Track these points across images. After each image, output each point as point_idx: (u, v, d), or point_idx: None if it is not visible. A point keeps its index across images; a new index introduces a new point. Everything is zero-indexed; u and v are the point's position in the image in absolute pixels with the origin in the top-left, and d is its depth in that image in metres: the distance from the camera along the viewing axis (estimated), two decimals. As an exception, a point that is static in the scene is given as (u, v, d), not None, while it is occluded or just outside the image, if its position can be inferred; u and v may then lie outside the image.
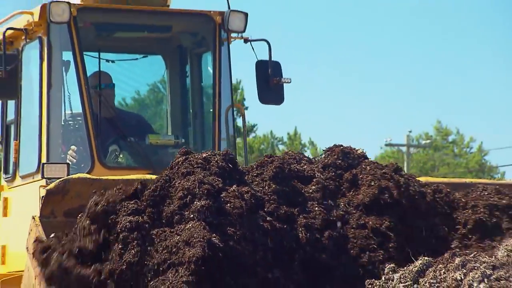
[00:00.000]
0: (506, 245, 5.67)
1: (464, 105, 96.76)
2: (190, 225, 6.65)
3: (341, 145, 7.93)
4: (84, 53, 10.79)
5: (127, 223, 6.66)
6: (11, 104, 11.18)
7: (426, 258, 5.86)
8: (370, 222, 7.27)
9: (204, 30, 11.27)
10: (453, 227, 7.52)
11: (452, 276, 5.36)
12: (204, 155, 7.33)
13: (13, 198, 10.70)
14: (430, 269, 5.60)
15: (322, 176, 7.54)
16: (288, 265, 6.98)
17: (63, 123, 10.70)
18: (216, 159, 7.27)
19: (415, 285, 5.49)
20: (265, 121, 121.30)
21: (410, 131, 56.89)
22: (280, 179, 7.38)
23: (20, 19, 10.16)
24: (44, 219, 7.36)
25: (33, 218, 7.18)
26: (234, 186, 7.09)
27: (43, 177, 9.99)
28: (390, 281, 5.70)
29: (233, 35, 11.20)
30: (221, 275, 6.64)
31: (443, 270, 5.51)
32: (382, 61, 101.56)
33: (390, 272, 5.94)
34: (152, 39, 11.97)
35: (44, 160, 9.80)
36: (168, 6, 11.26)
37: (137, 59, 12.03)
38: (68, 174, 9.40)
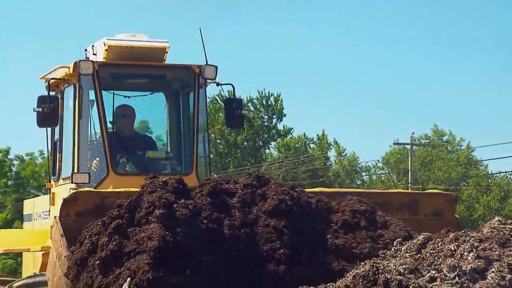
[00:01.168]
0: (490, 223, 5.76)
1: (455, 112, 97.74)
2: (152, 226, 7.95)
3: (258, 172, 9.31)
4: (108, 91, 12.79)
5: (112, 224, 8.02)
6: (57, 127, 12.99)
7: (426, 233, 5.92)
8: (272, 223, 8.45)
9: (188, 78, 12.96)
10: (329, 225, 8.73)
11: (448, 247, 5.45)
12: (164, 179, 8.59)
13: (57, 193, 12.32)
14: (430, 242, 5.70)
15: (242, 192, 8.77)
16: (217, 252, 8.22)
17: (88, 143, 12.65)
18: (172, 182, 8.52)
19: (418, 254, 5.55)
20: (299, 125, 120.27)
21: (413, 133, 57.94)
22: (213, 194, 8.63)
23: (61, 71, 12.27)
24: (62, 218, 8.74)
25: (55, 217, 8.68)
26: (182, 200, 8.34)
27: (72, 182, 11.97)
28: (399, 251, 5.75)
29: (209, 80, 12.91)
30: (171, 259, 7.80)
31: (440, 243, 5.60)
32: (390, 74, 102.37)
33: (398, 245, 6.00)
34: (154, 82, 13.71)
35: (75, 170, 11.78)
36: (164, 60, 12.92)
37: (146, 95, 13.75)
38: (89, 181, 11.68)
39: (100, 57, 12.30)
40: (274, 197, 8.65)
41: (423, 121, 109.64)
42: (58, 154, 12.67)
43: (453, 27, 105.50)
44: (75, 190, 9.83)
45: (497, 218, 5.85)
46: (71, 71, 12.19)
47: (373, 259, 5.86)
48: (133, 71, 13.09)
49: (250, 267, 8.17)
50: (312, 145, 69.03)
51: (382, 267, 5.47)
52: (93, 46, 12.70)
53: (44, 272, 10.06)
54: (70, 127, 12.44)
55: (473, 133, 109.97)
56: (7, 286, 11.25)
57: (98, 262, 7.66)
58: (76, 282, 7.85)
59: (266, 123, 71.04)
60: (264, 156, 69.37)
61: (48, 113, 12.14)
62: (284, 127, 71.53)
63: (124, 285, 7.44)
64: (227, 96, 13.35)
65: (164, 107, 13.68)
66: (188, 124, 13.04)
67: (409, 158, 57.44)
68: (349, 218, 8.70)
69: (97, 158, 12.43)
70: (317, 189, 10.00)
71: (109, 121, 12.43)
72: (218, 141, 69.32)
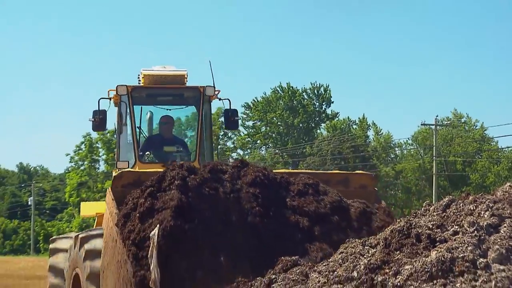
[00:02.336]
0: (502, 188, 5.70)
1: (471, 98, 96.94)
2: (172, 192, 9.51)
3: (241, 158, 11.25)
4: (146, 106, 14.40)
5: (147, 190, 9.57)
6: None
7: (450, 196, 5.85)
8: (251, 190, 9.90)
9: (196, 95, 14.03)
10: (288, 192, 10.16)
11: (468, 207, 5.40)
12: (181, 162, 10.25)
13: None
14: (453, 204, 5.62)
15: (231, 171, 10.26)
16: (215, 209, 9.71)
17: (127, 142, 14.12)
18: (186, 164, 10.12)
19: (443, 213, 5.51)
20: (344, 110, 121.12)
21: (437, 116, 57.87)
22: (212, 172, 10.08)
23: (112, 92, 13.59)
24: (113, 189, 10.15)
25: (108, 188, 10.08)
26: (192, 175, 9.83)
27: (116, 168, 13.90)
28: (428, 211, 5.71)
29: (210, 96, 14.07)
30: (185, 213, 9.40)
31: (461, 204, 5.55)
32: (420, 67, 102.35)
33: (427, 205, 5.95)
34: (174, 99, 14.71)
35: (119, 159, 13.79)
36: (185, 83, 14.02)
37: (170, 109, 14.61)
38: (128, 167, 13.14)
39: (141, 82, 13.95)
40: (252, 174, 10.31)
41: (445, 106, 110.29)
42: (115, 149, 14.73)
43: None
44: (121, 170, 11.48)
45: (508, 184, 5.80)
46: (115, 93, 13.80)
47: (406, 217, 5.86)
48: (158, 92, 14.37)
49: (237, 219, 9.72)
50: (354, 126, 68.54)
51: (414, 223, 5.45)
52: (139, 74, 14.23)
53: (99, 227, 11.82)
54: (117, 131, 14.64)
55: (486, 114, 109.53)
56: (74, 236, 11.98)
57: (138, 215, 9.24)
58: (123, 229, 9.36)
59: (317, 109, 70.89)
60: (316, 135, 69.18)
61: (98, 122, 13.95)
62: (331, 112, 71.41)
63: (155, 230, 9.01)
64: (226, 108, 14.67)
65: (184, 116, 15.52)
66: (195, 127, 14.40)
67: (434, 136, 56.97)
68: (301, 188, 10.34)
69: (130, 152, 14.13)
70: (281, 170, 11.99)
71: (137, 127, 13.85)
72: (279, 123, 69.65)
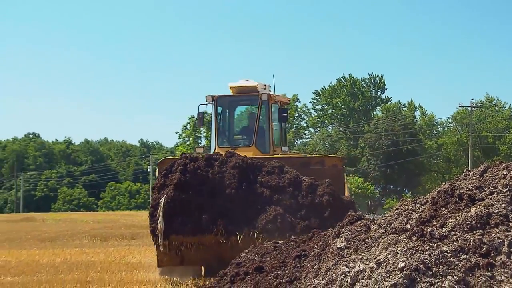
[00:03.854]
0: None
1: (501, 83, 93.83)
2: (175, 174, 11.76)
3: (231, 151, 12.55)
4: (227, 109, 15.47)
5: (161, 173, 12.03)
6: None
7: (486, 163, 5.69)
8: (232, 171, 11.69)
9: (257, 98, 14.77)
10: (260, 172, 11.81)
11: (501, 172, 5.26)
12: (186, 154, 12.42)
13: None
14: (489, 170, 5.47)
15: (220, 158, 12.03)
16: (206, 185, 11.64)
17: (215, 133, 15.19)
18: (190, 155, 12.16)
19: (481, 177, 5.37)
20: (396, 94, 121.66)
21: (472, 99, 55.67)
22: (208, 160, 11.99)
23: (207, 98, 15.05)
24: (159, 168, 12.29)
25: (156, 164, 12.34)
26: (192, 163, 11.86)
27: (194, 151, 16.20)
28: (468, 176, 5.57)
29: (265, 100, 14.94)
30: (184, 188, 11.54)
31: (496, 170, 5.39)
32: (457, 57, 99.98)
33: (467, 171, 5.80)
34: (247, 102, 15.74)
35: (195, 145, 16.01)
36: (258, 91, 14.86)
37: (250, 110, 15.87)
38: (204, 151, 14.83)
39: (229, 91, 15.25)
40: (234, 161, 11.94)
41: (479, 90, 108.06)
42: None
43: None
44: (164, 158, 13.96)
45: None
46: (208, 100, 15.02)
47: (450, 180, 5.74)
48: (232, 98, 15.31)
49: (219, 191, 11.58)
50: (404, 108, 67.49)
51: (457, 185, 5.34)
52: (231, 85, 15.49)
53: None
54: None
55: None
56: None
57: (155, 188, 11.76)
58: (158, 195, 11.68)
59: (373, 95, 69.89)
60: (372, 116, 68.35)
61: (199, 120, 16.12)
62: (385, 97, 70.30)
63: (162, 198, 11.40)
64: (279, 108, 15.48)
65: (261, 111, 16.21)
66: (256, 120, 14.99)
67: (470, 115, 55.57)
68: (270, 169, 11.90)
69: (214, 139, 15.54)
70: (276, 156, 13.32)
71: (218, 123, 15.13)
72: (342, 106, 69.12)
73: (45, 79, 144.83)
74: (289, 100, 18.29)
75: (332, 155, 13.92)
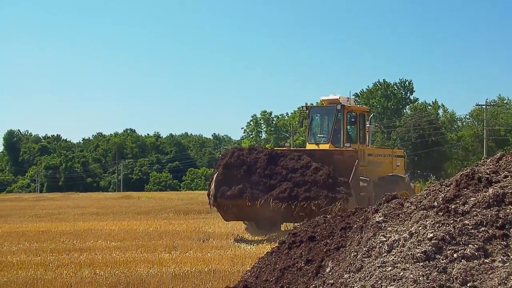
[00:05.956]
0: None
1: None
2: (226, 158, 13.69)
3: (264, 147, 14.82)
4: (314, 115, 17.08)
5: (222, 161, 13.81)
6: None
7: (501, 152, 5.50)
8: (262, 157, 13.49)
9: (334, 108, 15.97)
10: (284, 159, 13.25)
11: (515, 159, 5.07)
12: (233, 149, 14.04)
13: None
14: (504, 157, 5.29)
15: (257, 149, 13.94)
16: (242, 167, 13.43)
17: (307, 133, 17.09)
18: (237, 148, 14.05)
19: (497, 163, 5.21)
20: (422, 95, 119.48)
21: (487, 98, 53.92)
22: (249, 150, 13.81)
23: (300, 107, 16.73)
24: (221, 157, 14.01)
25: (220, 154, 13.17)
26: (237, 152, 13.75)
27: (285, 145, 17.28)
28: (485, 162, 5.40)
29: (339, 108, 16.20)
30: (230, 168, 13.32)
31: (509, 157, 5.22)
32: (477, 59, 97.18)
33: (485, 158, 5.62)
34: (328, 111, 16.59)
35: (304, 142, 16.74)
36: (340, 102, 15.93)
37: (338, 118, 16.45)
38: (290, 146, 17.06)
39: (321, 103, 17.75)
40: (264, 151, 13.66)
41: (492, 91, 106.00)
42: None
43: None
44: (227, 149, 15.22)
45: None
46: (304, 109, 17.11)
47: (471, 166, 5.59)
48: (323, 108, 16.96)
49: (254, 171, 13.32)
50: (429, 107, 66.12)
51: (476, 170, 5.19)
52: (322, 98, 17.04)
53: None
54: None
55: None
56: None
57: (214, 167, 13.53)
58: (222, 176, 13.50)
59: (403, 96, 68.65)
60: (402, 113, 67.14)
61: (299, 124, 18.28)
62: (413, 97, 68.93)
63: (215, 174, 13.53)
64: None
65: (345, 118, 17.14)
66: (333, 124, 16.13)
67: (485, 112, 53.98)
68: (291, 156, 13.31)
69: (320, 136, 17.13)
70: (304, 149, 15.42)
71: (309, 127, 16.66)
72: (378, 106, 68.04)
73: (140, 81, 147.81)
74: (368, 109, 19.10)
75: (348, 149, 14.67)
